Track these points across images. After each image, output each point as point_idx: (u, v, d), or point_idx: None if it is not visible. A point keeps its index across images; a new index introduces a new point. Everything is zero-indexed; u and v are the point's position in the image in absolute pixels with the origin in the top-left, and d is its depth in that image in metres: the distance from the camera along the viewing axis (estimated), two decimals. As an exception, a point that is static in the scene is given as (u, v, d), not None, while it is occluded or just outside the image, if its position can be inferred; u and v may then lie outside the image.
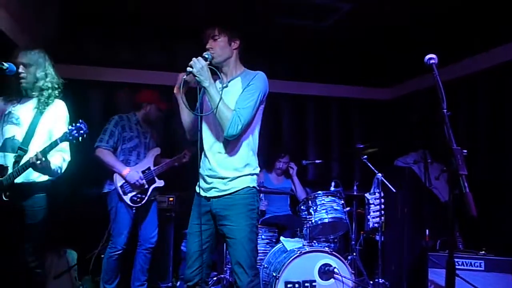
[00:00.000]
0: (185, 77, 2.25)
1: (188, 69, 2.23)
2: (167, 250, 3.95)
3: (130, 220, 3.45)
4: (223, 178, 2.33)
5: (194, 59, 2.24)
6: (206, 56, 2.31)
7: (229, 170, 2.33)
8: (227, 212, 2.31)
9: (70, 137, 2.36)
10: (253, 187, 2.39)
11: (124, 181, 3.42)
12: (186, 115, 2.45)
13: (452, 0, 3.71)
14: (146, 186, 3.51)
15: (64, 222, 3.63)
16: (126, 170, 3.41)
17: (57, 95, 2.66)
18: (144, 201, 3.50)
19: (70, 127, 2.37)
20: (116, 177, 3.42)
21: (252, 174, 2.40)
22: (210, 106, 2.30)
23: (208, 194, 2.37)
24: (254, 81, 2.35)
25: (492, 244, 3.44)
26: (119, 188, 3.40)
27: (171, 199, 3.98)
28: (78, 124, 2.37)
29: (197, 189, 2.44)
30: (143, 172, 3.51)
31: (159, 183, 3.61)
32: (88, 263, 3.74)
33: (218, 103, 2.23)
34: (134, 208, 3.45)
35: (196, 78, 2.23)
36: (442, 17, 4.03)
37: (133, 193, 3.45)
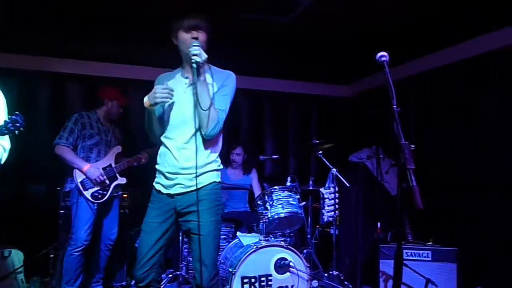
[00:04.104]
0: (194, 65, 2.13)
1: (196, 58, 2.12)
2: (121, 248, 3.85)
3: (91, 216, 3.39)
4: (190, 174, 2.26)
5: (199, 48, 2.14)
6: (200, 46, 2.19)
7: (197, 166, 2.26)
8: (193, 208, 2.25)
9: (6, 131, 2.17)
10: (219, 182, 2.37)
11: (84, 176, 3.39)
12: (157, 126, 2.35)
13: (409, 4, 3.84)
14: (108, 183, 3.48)
15: (8, 221, 3.46)
16: (86, 166, 3.38)
17: None
18: (105, 197, 3.48)
19: (6, 119, 2.21)
20: (76, 173, 3.38)
21: (218, 170, 2.39)
22: (193, 100, 2.22)
23: (171, 191, 2.30)
24: (229, 82, 2.34)
25: (439, 235, 3.61)
26: (79, 184, 3.36)
27: (125, 195, 3.88)
28: (14, 117, 2.18)
29: (157, 186, 2.36)
30: (103, 169, 3.48)
31: (121, 180, 3.60)
32: (36, 264, 3.60)
33: (212, 102, 2.19)
34: (95, 204, 3.41)
35: (196, 69, 2.14)
36: (400, 16, 4.16)
37: (94, 189, 3.43)
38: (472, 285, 3.54)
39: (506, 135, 3.47)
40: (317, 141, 3.84)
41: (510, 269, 3.38)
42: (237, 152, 4.41)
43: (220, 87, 2.30)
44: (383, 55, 1.92)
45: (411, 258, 3.36)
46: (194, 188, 2.25)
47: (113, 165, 3.55)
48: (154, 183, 2.38)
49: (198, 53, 2.13)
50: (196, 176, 2.24)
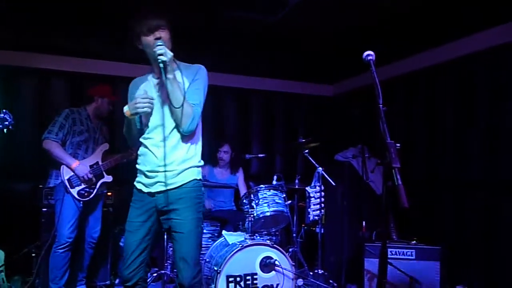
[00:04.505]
0: (161, 64, 2.12)
1: (162, 57, 2.11)
2: (105, 246, 3.80)
3: (75, 213, 3.35)
4: (170, 171, 2.25)
5: (164, 47, 2.13)
6: (164, 44, 2.17)
7: (176, 163, 2.28)
8: (174, 206, 2.25)
9: None
10: (199, 179, 2.37)
11: (72, 174, 3.34)
12: (136, 133, 2.35)
13: (395, 4, 3.86)
14: (94, 181, 3.46)
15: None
16: (75, 163, 3.34)
17: None
18: (92, 195, 3.45)
19: None
20: (64, 169, 3.34)
21: (198, 167, 2.38)
22: (167, 100, 2.22)
23: (152, 190, 2.29)
24: (199, 75, 2.33)
25: (423, 234, 3.65)
26: (66, 181, 3.32)
27: (109, 194, 3.83)
28: (2, 115, 2.18)
29: (137, 185, 2.35)
30: (91, 166, 3.45)
31: (107, 178, 3.57)
32: (17, 263, 3.54)
33: (184, 99, 2.18)
34: (81, 202, 3.38)
35: (164, 68, 2.13)
36: (385, 17, 4.19)
37: (81, 187, 3.39)
38: (455, 283, 3.59)
39: (491, 135, 3.51)
40: (303, 140, 3.85)
41: (493, 268, 3.43)
42: (225, 149, 4.39)
43: (191, 82, 2.30)
44: (369, 54, 1.93)
45: (395, 256, 3.40)
46: (175, 185, 2.26)
47: (100, 163, 3.52)
48: (135, 183, 2.37)
49: (163, 52, 2.12)
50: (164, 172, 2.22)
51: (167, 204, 2.26)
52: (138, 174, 2.37)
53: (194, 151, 2.36)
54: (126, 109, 2.24)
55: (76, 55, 4.39)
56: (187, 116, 2.21)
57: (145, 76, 2.42)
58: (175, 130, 2.27)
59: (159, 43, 2.15)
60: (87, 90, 3.72)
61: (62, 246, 3.29)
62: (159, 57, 2.11)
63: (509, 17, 3.34)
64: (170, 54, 2.15)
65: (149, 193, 2.29)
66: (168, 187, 2.25)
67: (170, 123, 2.26)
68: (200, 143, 2.42)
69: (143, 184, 2.32)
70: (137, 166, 2.38)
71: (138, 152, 2.38)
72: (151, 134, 2.30)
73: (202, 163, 2.42)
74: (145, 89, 2.31)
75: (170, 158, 2.25)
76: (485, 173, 3.57)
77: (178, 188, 2.27)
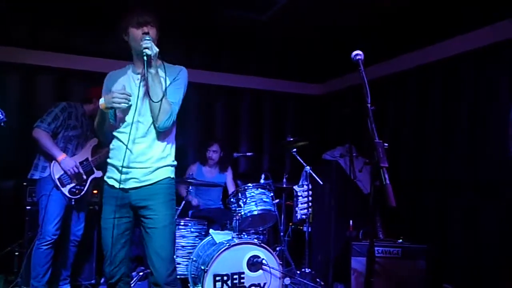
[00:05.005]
0: (145, 57, 2.12)
1: (147, 51, 2.12)
2: (90, 245, 3.75)
3: (62, 210, 3.29)
4: (145, 168, 2.26)
5: (150, 41, 2.14)
6: (151, 40, 2.19)
7: (152, 160, 2.27)
8: (148, 202, 2.25)
9: None
10: (173, 178, 2.38)
11: (62, 172, 3.28)
12: (108, 127, 2.36)
13: (383, 5, 3.88)
14: (85, 177, 3.41)
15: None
16: (61, 156, 3.27)
17: None
18: (83, 192, 3.41)
19: None
20: (54, 167, 3.27)
21: (172, 166, 2.39)
22: (147, 95, 2.22)
23: (126, 186, 2.27)
24: (181, 76, 2.35)
25: (410, 233, 3.69)
26: (56, 180, 3.26)
27: (95, 191, 3.78)
28: None
29: (109, 181, 2.33)
30: (81, 163, 3.40)
31: (98, 173, 3.52)
32: (0, 262, 3.49)
33: (164, 95, 2.18)
34: (73, 200, 3.34)
35: (148, 62, 2.13)
36: (374, 17, 4.21)
37: (72, 185, 3.33)
38: (440, 282, 3.63)
39: (477, 135, 3.55)
40: (292, 139, 3.85)
41: (479, 267, 3.47)
42: (214, 149, 4.37)
43: (172, 81, 2.32)
44: (358, 53, 1.94)
45: (382, 255, 3.42)
46: (150, 182, 2.26)
47: (90, 159, 3.48)
48: (105, 178, 2.36)
49: (149, 46, 2.13)
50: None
51: (141, 200, 2.25)
52: (109, 169, 2.35)
53: (169, 150, 2.38)
54: (102, 101, 2.24)
55: (62, 51, 4.31)
56: (165, 112, 2.21)
57: (123, 70, 2.41)
58: (152, 127, 2.27)
59: (147, 38, 2.16)
60: (87, 90, 3.66)
61: (47, 243, 3.22)
62: (145, 50, 2.12)
63: (495, 18, 3.37)
64: (155, 49, 2.16)
65: (123, 189, 2.27)
66: (143, 184, 2.26)
67: (147, 120, 2.26)
68: (174, 145, 2.43)
69: (116, 180, 2.29)
70: (108, 160, 2.36)
71: (111, 146, 2.37)
72: (126, 129, 2.28)
73: (175, 163, 2.42)
74: (124, 84, 2.31)
75: (147, 155, 2.26)
76: (468, 173, 3.61)
77: (152, 184, 2.27)
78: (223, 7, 4.11)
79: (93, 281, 3.75)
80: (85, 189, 3.43)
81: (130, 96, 2.22)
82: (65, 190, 3.29)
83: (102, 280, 3.78)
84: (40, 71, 4.30)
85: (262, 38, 4.96)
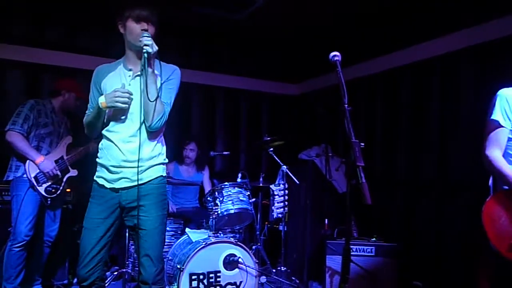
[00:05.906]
0: (145, 55, 2.10)
1: (148, 48, 2.10)
2: (63, 245, 3.67)
3: (35, 210, 3.22)
4: (135, 167, 2.21)
5: (151, 39, 2.13)
6: (150, 36, 2.16)
7: (144, 160, 2.24)
8: (140, 202, 2.21)
9: None
10: (164, 176, 2.37)
11: (37, 171, 3.21)
12: (100, 124, 2.30)
13: (361, 6, 3.95)
14: (60, 176, 3.36)
15: None
16: (40, 159, 3.21)
17: None
18: (59, 191, 3.35)
19: None
20: (29, 166, 3.19)
21: (163, 164, 2.37)
22: (140, 93, 2.20)
23: (116, 185, 2.23)
24: (174, 76, 2.34)
25: (382, 232, 3.77)
26: (32, 179, 3.19)
27: (68, 190, 3.70)
28: None
29: (99, 181, 2.28)
30: (56, 161, 3.34)
31: (73, 172, 3.48)
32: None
33: (158, 94, 2.17)
34: (49, 200, 3.27)
35: (147, 59, 2.12)
36: (351, 19, 4.27)
37: (48, 184, 3.27)
38: (411, 280, 3.72)
39: (447, 136, 3.66)
40: (268, 138, 3.87)
41: (449, 266, 3.57)
42: (191, 147, 4.35)
43: (166, 80, 2.30)
44: (335, 54, 1.96)
45: (356, 253, 3.49)
46: (141, 182, 2.22)
47: (65, 157, 3.42)
48: (95, 178, 2.31)
49: (150, 44, 2.12)
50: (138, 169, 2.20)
51: (133, 200, 2.21)
52: (99, 169, 2.31)
53: (160, 149, 2.35)
54: (102, 100, 2.19)
55: (36, 46, 4.18)
56: (158, 112, 2.19)
57: (112, 65, 2.36)
58: (143, 126, 2.24)
59: (146, 35, 2.14)
60: (54, 83, 3.58)
61: (19, 244, 3.14)
62: (145, 47, 2.10)
63: (465, 23, 3.49)
64: (156, 47, 2.15)
65: (113, 189, 2.24)
66: (134, 183, 2.21)
67: (138, 118, 2.22)
68: (164, 143, 2.42)
69: (106, 179, 2.26)
70: (98, 160, 2.32)
71: (100, 146, 2.32)
72: (117, 128, 2.24)
73: (166, 160, 2.42)
74: (123, 82, 2.26)
75: (136, 154, 2.21)
76: (436, 173, 3.71)
77: (144, 184, 2.24)
78: (197, 5, 4.08)
79: (65, 281, 3.68)
80: (61, 188, 3.37)
81: (131, 95, 2.19)
82: (41, 189, 3.22)
83: (75, 280, 3.71)
84: (9, 65, 4.15)
85: (239, 37, 4.96)
